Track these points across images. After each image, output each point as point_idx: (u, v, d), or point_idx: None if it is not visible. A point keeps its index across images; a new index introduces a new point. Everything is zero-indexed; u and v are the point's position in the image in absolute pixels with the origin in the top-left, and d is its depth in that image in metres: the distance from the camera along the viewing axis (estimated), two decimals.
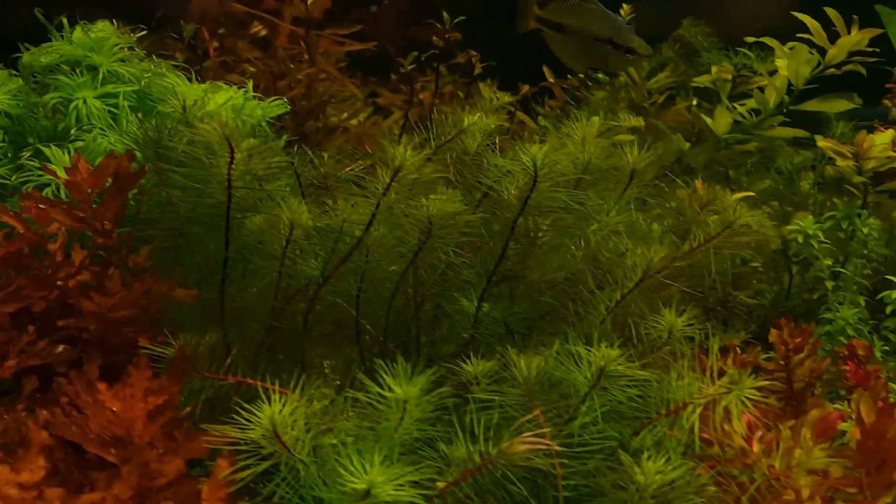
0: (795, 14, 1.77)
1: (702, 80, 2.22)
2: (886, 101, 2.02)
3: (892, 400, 1.47)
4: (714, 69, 2.22)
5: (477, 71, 2.50)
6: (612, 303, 1.22)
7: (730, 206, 1.19)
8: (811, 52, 1.74)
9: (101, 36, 1.78)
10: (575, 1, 2.08)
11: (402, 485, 0.87)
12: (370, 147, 2.44)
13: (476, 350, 1.13)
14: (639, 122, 1.98)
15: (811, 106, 1.78)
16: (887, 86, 2.04)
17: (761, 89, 1.81)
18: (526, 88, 2.47)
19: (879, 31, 1.72)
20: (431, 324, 1.26)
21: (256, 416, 0.92)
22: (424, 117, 2.58)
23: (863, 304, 1.79)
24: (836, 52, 1.73)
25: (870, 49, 1.74)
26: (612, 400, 1.05)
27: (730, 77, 2.16)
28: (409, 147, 1.13)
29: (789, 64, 1.73)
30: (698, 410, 0.97)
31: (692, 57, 2.61)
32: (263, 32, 2.90)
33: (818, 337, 1.77)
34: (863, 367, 1.41)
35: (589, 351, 1.04)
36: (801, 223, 1.74)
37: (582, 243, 1.31)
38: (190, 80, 2.03)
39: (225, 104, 1.68)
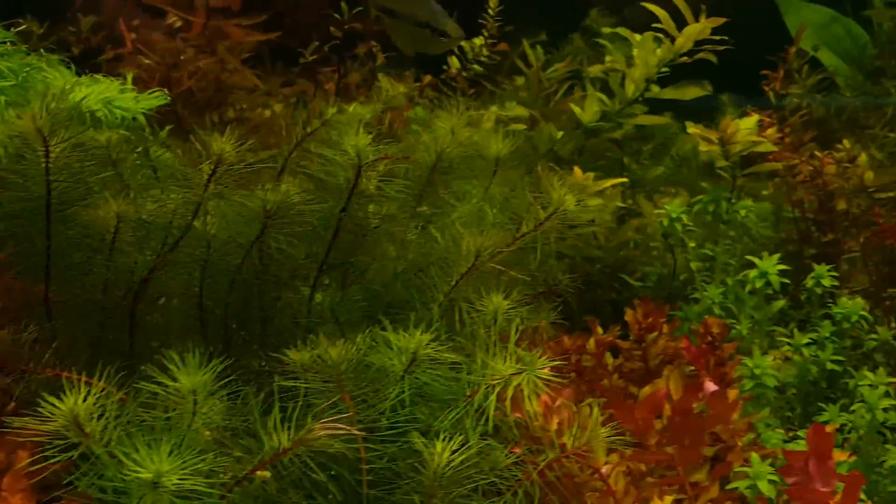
0: (645, 4, 1.81)
1: (593, 70, 2.26)
2: (766, 88, 2.07)
3: (736, 377, 1.53)
4: (607, 58, 2.26)
5: (379, 61, 2.52)
6: (447, 289, 1.25)
7: (556, 194, 1.23)
8: (661, 40, 1.79)
9: None
10: None
11: (191, 474, 0.90)
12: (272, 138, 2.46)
13: (304, 339, 1.15)
14: (521, 111, 2.03)
15: (666, 94, 1.83)
16: (763, 72, 2.09)
17: (621, 79, 1.85)
18: (428, 79, 2.49)
19: (722, 20, 1.76)
20: (273, 314, 1.29)
21: (59, 408, 0.95)
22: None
23: (731, 283, 1.85)
24: (682, 41, 1.77)
25: (717, 37, 1.78)
26: (425, 384, 1.08)
27: (621, 67, 2.20)
28: (230, 140, 1.15)
29: (639, 54, 1.78)
30: (494, 392, 1.01)
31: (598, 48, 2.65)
32: (178, 24, 2.89)
33: (686, 317, 1.83)
34: (706, 345, 1.46)
35: (400, 337, 1.07)
36: (667, 207, 1.79)
37: (424, 233, 1.34)
38: (80, 74, 2.03)
39: (91, 96, 1.68)
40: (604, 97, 1.81)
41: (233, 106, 2.52)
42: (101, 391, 0.97)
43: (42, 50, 2.01)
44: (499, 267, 1.25)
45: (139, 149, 1.46)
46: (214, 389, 0.95)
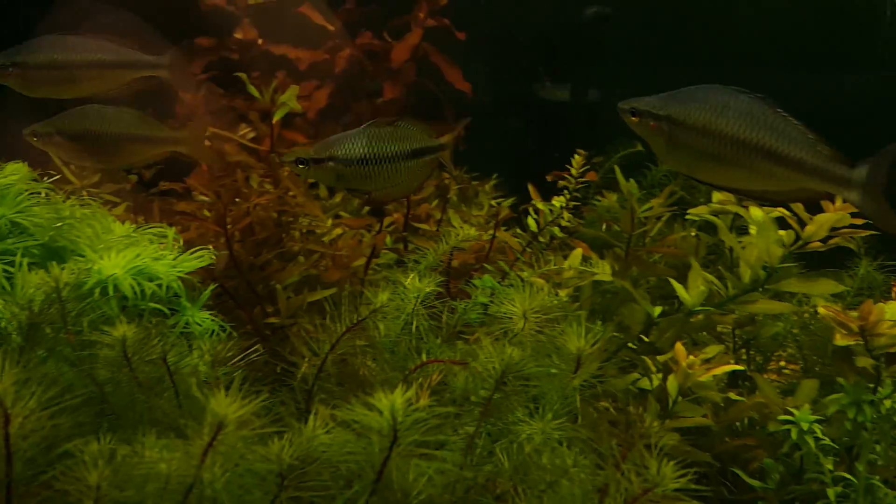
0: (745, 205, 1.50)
1: (698, 212, 1.95)
2: None
3: None
4: (715, 196, 1.95)
5: (452, 192, 2.29)
6: None
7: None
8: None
9: (6, 182, 1.63)
10: None
11: None
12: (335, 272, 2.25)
13: None
14: (605, 275, 1.73)
15: (789, 286, 1.48)
16: None
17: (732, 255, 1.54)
18: (505, 212, 2.24)
19: (850, 210, 1.41)
20: None
21: None
22: (398, 240, 2.37)
23: None
24: (814, 230, 1.44)
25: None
26: None
27: (732, 208, 1.89)
28: (235, 403, 0.91)
29: (758, 241, 1.46)
30: None
31: None
32: (251, 134, 2.76)
33: None
34: None
35: None
36: (795, 413, 1.44)
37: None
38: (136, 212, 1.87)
39: (120, 269, 1.49)
40: (712, 278, 1.50)
41: (293, 236, 2.33)
42: None
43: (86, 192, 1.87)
44: None
45: (155, 350, 1.24)
46: None
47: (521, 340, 1.41)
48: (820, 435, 1.42)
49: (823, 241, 1.45)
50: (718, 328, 2.02)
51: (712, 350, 1.76)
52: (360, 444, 0.96)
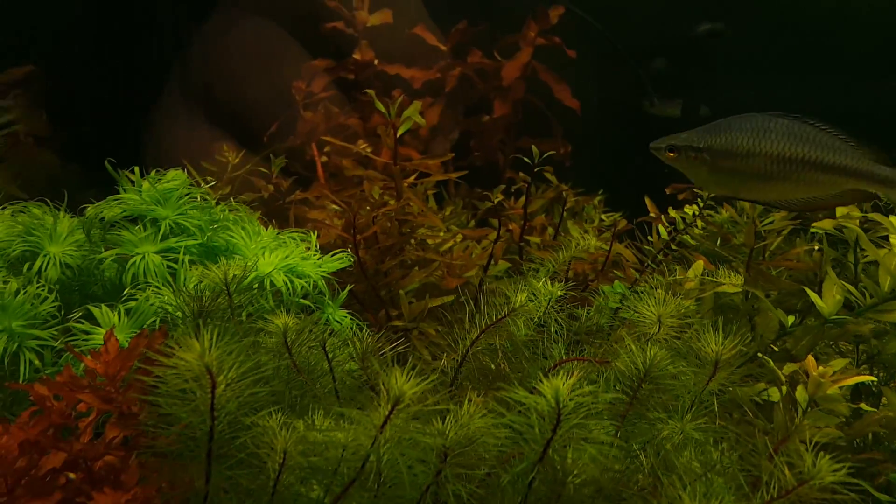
0: None
1: (822, 225, 1.95)
2: None
3: None
4: (840, 211, 1.94)
5: (569, 204, 2.34)
6: None
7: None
8: None
9: (168, 187, 1.78)
10: None
11: None
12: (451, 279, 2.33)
13: None
14: (731, 286, 1.75)
15: None
16: None
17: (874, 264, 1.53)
18: (622, 223, 2.28)
19: None
20: None
21: None
22: (512, 250, 2.44)
23: None
24: None
25: None
26: None
27: (857, 223, 1.88)
28: (411, 375, 0.98)
29: None
30: None
31: None
32: (369, 150, 2.89)
33: None
34: None
35: None
36: None
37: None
38: (266, 222, 2.00)
39: (274, 267, 1.61)
40: (850, 287, 1.50)
41: (413, 244, 2.43)
42: None
43: (233, 199, 2.01)
44: None
45: (311, 339, 1.34)
46: None
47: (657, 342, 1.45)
48: None
49: None
50: (841, 345, 2.00)
51: (838, 363, 1.75)
52: (521, 425, 1.02)
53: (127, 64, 3.01)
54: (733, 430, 1.18)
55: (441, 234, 2.45)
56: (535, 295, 1.55)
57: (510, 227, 2.46)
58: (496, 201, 2.33)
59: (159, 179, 1.82)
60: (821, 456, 0.94)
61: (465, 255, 2.43)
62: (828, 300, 1.49)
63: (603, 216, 2.81)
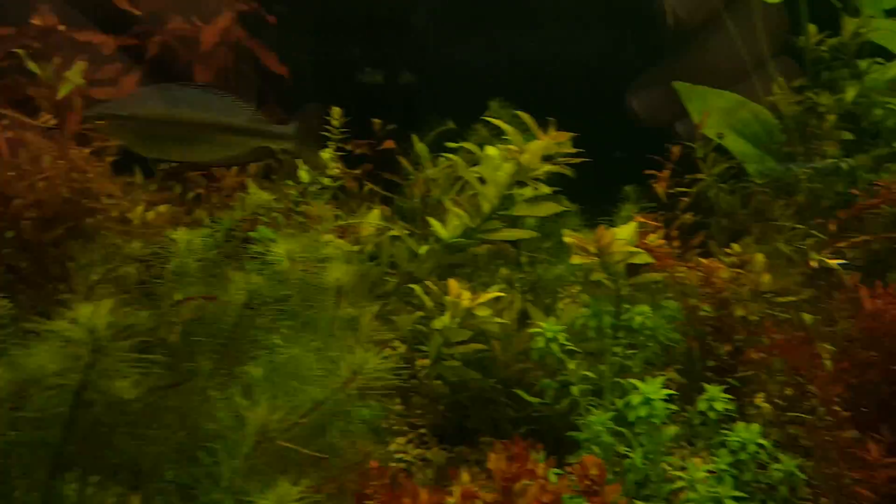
0: (489, 118, 1.68)
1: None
2: (655, 185, 1.92)
3: None
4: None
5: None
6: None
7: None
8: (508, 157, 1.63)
9: None
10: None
11: None
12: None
13: None
14: (374, 221, 1.84)
15: (520, 211, 1.66)
16: (646, 171, 1.94)
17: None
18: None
19: (569, 134, 1.63)
20: None
21: None
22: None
23: (620, 405, 1.65)
24: (528, 158, 1.62)
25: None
26: None
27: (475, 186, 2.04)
28: None
29: (485, 172, 1.62)
30: None
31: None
32: (53, 122, 2.69)
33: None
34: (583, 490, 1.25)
35: None
36: (542, 324, 1.60)
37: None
38: None
39: None
40: (462, 213, 1.63)
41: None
42: None
43: None
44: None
45: None
46: None
47: (287, 278, 1.49)
48: (563, 341, 1.58)
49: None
50: (504, 273, 2.18)
51: (495, 289, 1.91)
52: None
53: None
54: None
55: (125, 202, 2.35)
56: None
57: (199, 192, 2.41)
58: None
59: None
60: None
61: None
62: (448, 226, 1.61)
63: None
